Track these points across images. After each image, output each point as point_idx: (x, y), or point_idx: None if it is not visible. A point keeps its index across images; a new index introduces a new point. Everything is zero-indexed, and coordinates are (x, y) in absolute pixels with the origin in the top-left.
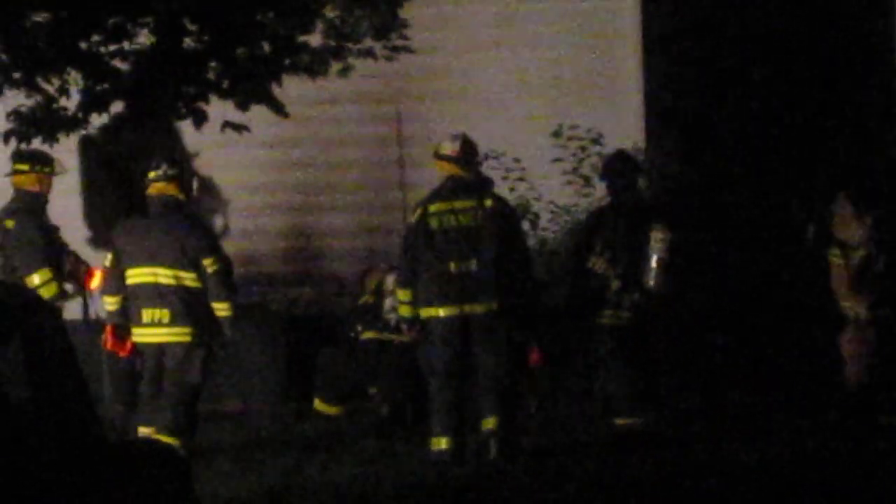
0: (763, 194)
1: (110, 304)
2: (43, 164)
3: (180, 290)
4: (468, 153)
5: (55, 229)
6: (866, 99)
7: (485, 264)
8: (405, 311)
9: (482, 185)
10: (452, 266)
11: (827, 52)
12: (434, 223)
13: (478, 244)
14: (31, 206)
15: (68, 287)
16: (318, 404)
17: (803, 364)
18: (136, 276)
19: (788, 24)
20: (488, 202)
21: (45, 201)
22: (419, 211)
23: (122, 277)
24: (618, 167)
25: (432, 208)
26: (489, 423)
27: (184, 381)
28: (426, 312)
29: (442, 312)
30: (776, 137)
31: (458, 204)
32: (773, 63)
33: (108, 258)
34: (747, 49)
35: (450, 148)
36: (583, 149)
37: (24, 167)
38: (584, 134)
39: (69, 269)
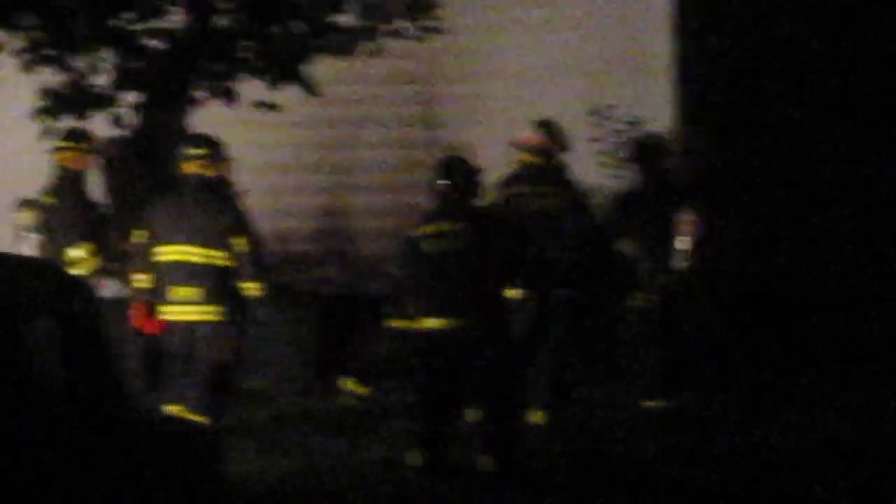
0: (797, 177)
1: (141, 281)
2: (82, 141)
3: (211, 268)
4: (547, 141)
5: (96, 206)
6: None
7: (563, 250)
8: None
9: (561, 173)
10: (532, 249)
11: (871, 34)
12: (514, 206)
13: (557, 229)
14: (72, 182)
15: (111, 266)
16: (349, 383)
17: (834, 348)
18: (168, 253)
19: (830, 5)
20: (569, 190)
21: (85, 178)
22: (498, 192)
23: (153, 255)
24: (648, 150)
25: (515, 191)
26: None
27: (213, 360)
28: None
29: (515, 294)
30: (812, 121)
31: (539, 189)
32: (812, 45)
33: (140, 235)
34: (784, 31)
35: (528, 135)
36: (618, 132)
37: (67, 144)
38: (623, 116)
39: (113, 246)
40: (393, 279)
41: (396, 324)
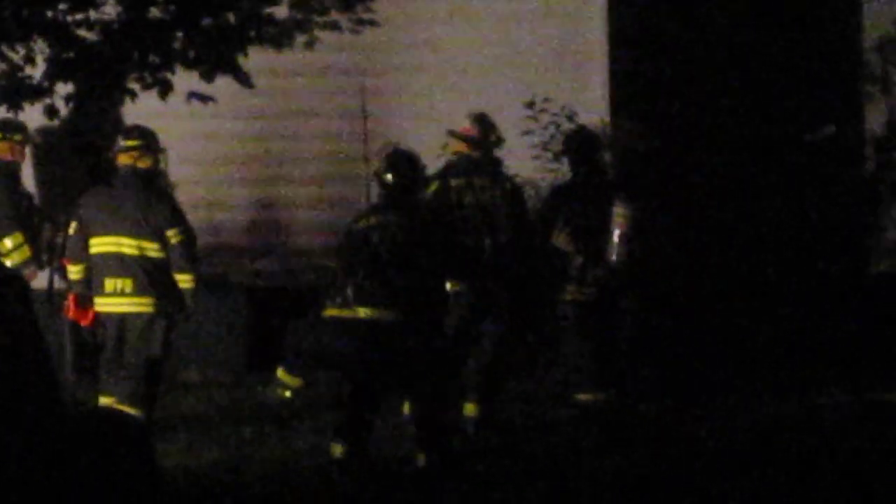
0: (730, 170)
1: (73, 272)
2: (15, 132)
3: (143, 260)
4: (483, 133)
5: (29, 197)
6: (832, 73)
7: (498, 243)
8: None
9: (495, 166)
10: (467, 242)
11: (798, 21)
12: (452, 198)
13: (493, 223)
14: (3, 173)
15: (42, 256)
16: (281, 374)
17: (765, 340)
18: (100, 245)
19: None
20: (504, 183)
21: (18, 169)
22: (435, 184)
23: (86, 246)
24: (580, 143)
25: (453, 183)
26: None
27: (145, 352)
28: None
29: (448, 286)
30: (746, 113)
31: (476, 181)
32: (746, 36)
33: (71, 226)
34: (716, 22)
35: (465, 126)
36: (556, 125)
37: None
38: (558, 110)
39: (47, 238)
40: (332, 269)
41: (332, 313)
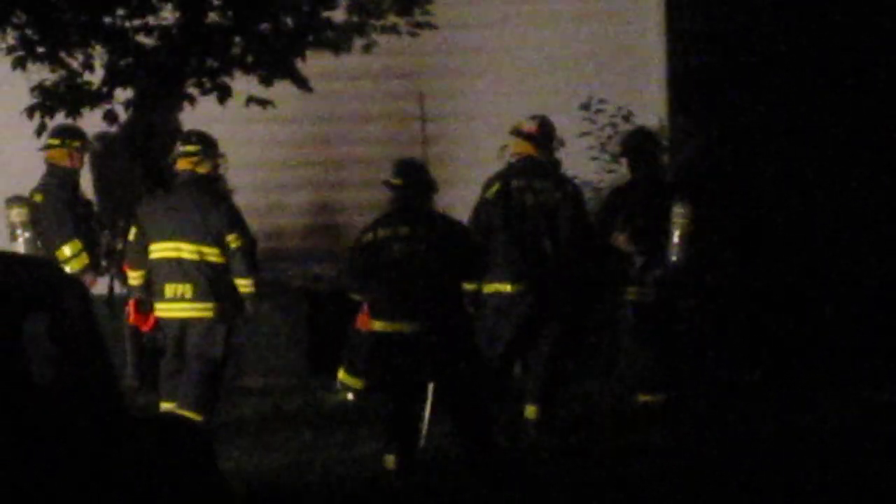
0: (787, 171)
1: (133, 278)
2: (73, 138)
3: (203, 265)
4: (545, 134)
5: (88, 203)
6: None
7: (558, 245)
8: (469, 284)
9: (556, 168)
10: (528, 244)
11: (860, 29)
12: (514, 200)
13: (553, 225)
14: (62, 180)
15: (101, 263)
16: (342, 376)
17: (828, 341)
18: (160, 250)
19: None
20: (565, 185)
21: (77, 176)
22: (497, 185)
23: (146, 252)
24: (638, 144)
25: (514, 184)
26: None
27: (206, 357)
28: (492, 287)
29: (510, 288)
30: (802, 115)
31: (537, 183)
32: (802, 39)
33: (131, 232)
34: (775, 23)
35: (528, 126)
36: (613, 125)
37: (56, 142)
38: (615, 111)
39: (106, 244)
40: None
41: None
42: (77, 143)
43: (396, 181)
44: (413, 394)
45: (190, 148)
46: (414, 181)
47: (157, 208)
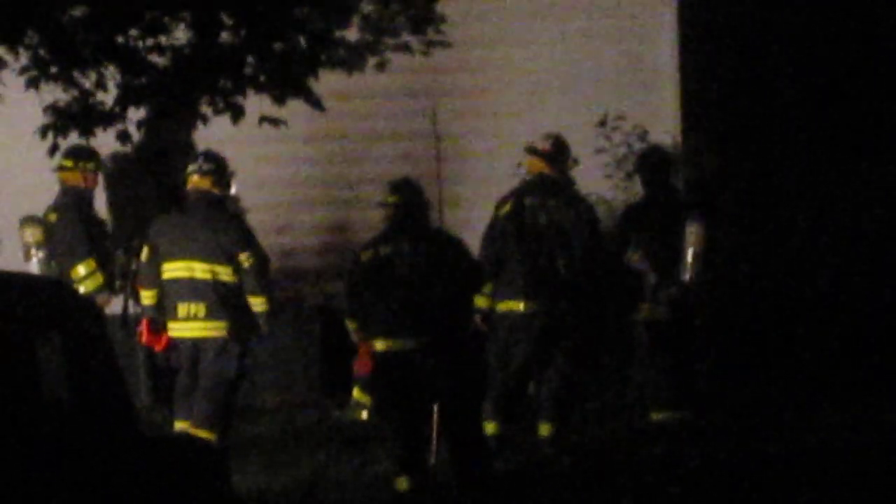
0: (803, 187)
1: (146, 297)
2: (87, 159)
3: (216, 284)
4: (559, 152)
5: (101, 223)
6: None
7: (571, 263)
8: (482, 302)
9: (570, 186)
10: (541, 262)
11: (875, 41)
12: (527, 218)
13: (567, 243)
14: (76, 200)
15: (115, 282)
16: (356, 394)
17: (843, 358)
18: (172, 270)
19: (831, 15)
20: (579, 204)
21: (91, 196)
22: (510, 204)
23: (158, 271)
24: (653, 162)
25: (527, 202)
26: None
27: (219, 376)
28: (505, 306)
29: (523, 307)
30: (817, 130)
31: (551, 201)
32: (815, 54)
33: (143, 252)
34: (790, 40)
35: (542, 144)
36: (629, 144)
37: (69, 163)
38: (630, 129)
39: (120, 264)
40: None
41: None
42: (91, 165)
43: (393, 199)
44: (418, 414)
45: (203, 167)
46: (412, 198)
47: (169, 227)
